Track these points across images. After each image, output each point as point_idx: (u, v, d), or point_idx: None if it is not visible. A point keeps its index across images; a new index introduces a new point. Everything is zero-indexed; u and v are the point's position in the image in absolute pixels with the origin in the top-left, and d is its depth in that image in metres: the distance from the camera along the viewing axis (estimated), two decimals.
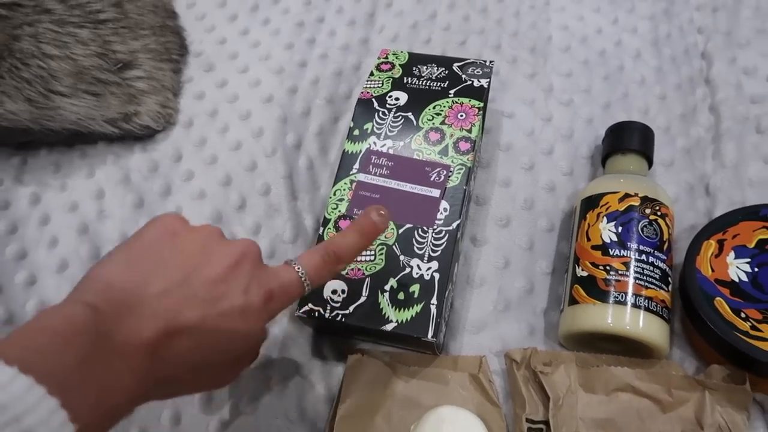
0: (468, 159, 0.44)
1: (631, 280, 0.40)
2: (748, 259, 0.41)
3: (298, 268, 0.34)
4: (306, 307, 0.41)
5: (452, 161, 0.44)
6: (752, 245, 0.41)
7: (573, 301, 0.41)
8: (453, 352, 0.43)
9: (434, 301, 0.40)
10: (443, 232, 0.42)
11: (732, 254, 0.41)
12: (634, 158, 0.47)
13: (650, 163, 0.48)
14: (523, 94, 0.55)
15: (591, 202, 0.44)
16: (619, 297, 0.40)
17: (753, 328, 0.38)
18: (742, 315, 0.39)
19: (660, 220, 0.42)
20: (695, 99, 0.54)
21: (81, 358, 0.25)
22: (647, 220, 0.42)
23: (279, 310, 0.34)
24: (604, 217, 0.43)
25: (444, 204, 0.43)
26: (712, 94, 0.54)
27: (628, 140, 0.48)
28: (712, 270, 0.41)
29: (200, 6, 0.62)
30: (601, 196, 0.44)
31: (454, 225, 0.42)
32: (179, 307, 0.29)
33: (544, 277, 0.46)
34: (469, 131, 0.45)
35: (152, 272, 0.30)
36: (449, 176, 0.44)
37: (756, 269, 0.40)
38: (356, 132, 0.46)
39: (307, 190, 0.50)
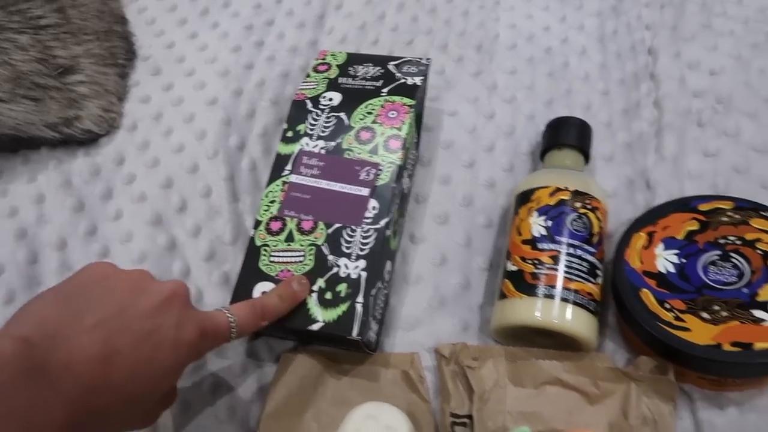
0: (398, 157, 0.44)
1: (559, 274, 0.40)
2: (677, 251, 0.41)
3: (229, 315, 0.36)
4: None
5: (382, 159, 0.44)
6: (681, 237, 0.41)
7: (503, 296, 0.41)
8: (387, 349, 0.43)
9: (360, 299, 0.40)
10: (371, 231, 0.42)
11: (661, 246, 0.41)
12: (571, 153, 0.47)
13: (587, 158, 0.48)
14: (466, 93, 0.55)
15: (524, 197, 0.44)
16: (547, 290, 0.39)
17: (677, 318, 0.38)
18: (667, 306, 0.38)
19: (590, 214, 0.42)
20: (639, 94, 0.54)
21: (6, 391, 0.25)
22: (577, 214, 0.42)
23: (207, 350, 0.35)
24: (535, 212, 0.43)
25: (373, 202, 0.43)
26: (657, 88, 0.54)
27: (564, 135, 0.48)
28: (641, 262, 0.41)
29: (151, 11, 0.63)
30: (533, 191, 0.44)
31: (382, 223, 0.42)
32: (113, 337, 0.30)
33: (481, 273, 0.46)
34: (399, 129, 0.45)
35: (86, 308, 0.30)
36: (378, 174, 0.44)
37: (683, 260, 0.40)
38: (289, 133, 0.46)
39: (249, 192, 0.50)
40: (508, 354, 0.41)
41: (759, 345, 0.35)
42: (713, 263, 0.39)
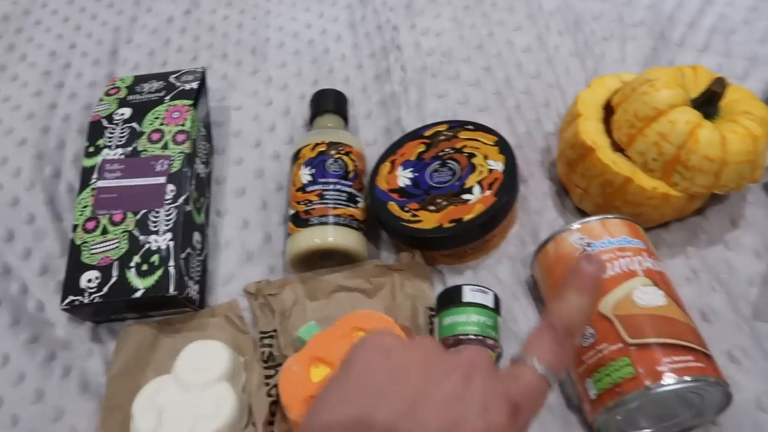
0: (186, 147, 0.53)
1: (324, 206, 0.51)
2: (411, 168, 0.53)
3: (537, 365, 0.29)
4: (67, 300, 0.48)
5: (172, 152, 0.53)
6: (414, 158, 0.54)
7: (288, 235, 0.52)
8: (212, 304, 0.52)
9: (172, 263, 0.49)
10: (172, 209, 0.51)
11: (401, 168, 0.53)
12: (330, 117, 0.58)
13: (346, 119, 0.60)
14: (247, 89, 0.65)
15: (295, 157, 0.55)
16: (318, 220, 0.50)
17: (413, 216, 0.50)
18: (406, 209, 0.50)
19: (344, 158, 0.54)
20: (389, 62, 0.67)
21: None
22: (333, 159, 0.53)
23: (528, 424, 0.29)
24: (302, 165, 0.54)
25: (170, 187, 0.52)
26: (401, 55, 0.68)
27: (323, 104, 0.59)
28: (387, 183, 0.53)
29: None
30: (300, 150, 0.55)
31: (181, 200, 0.51)
32: None
33: (278, 227, 0.56)
34: (183, 125, 0.55)
35: (372, 405, 0.26)
36: (171, 164, 0.53)
37: (416, 174, 0.52)
38: (91, 149, 0.54)
39: (70, 210, 0.57)
40: (302, 278, 0.51)
41: (467, 217, 0.48)
42: (436, 170, 0.52)
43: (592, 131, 0.49)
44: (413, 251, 0.51)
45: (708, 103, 0.46)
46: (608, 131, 0.49)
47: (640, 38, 0.64)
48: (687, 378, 0.37)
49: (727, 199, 0.51)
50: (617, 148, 0.48)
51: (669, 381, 0.37)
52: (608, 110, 0.50)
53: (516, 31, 0.66)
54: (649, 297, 0.40)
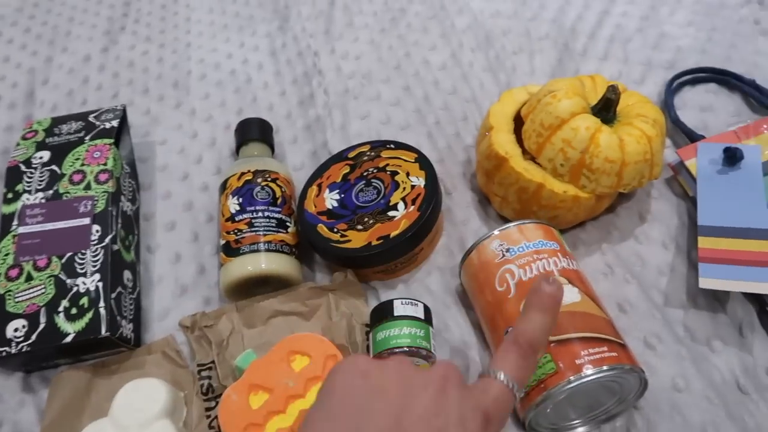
0: (109, 186, 0.53)
1: (254, 233, 0.51)
2: (337, 190, 0.54)
3: (502, 377, 0.31)
4: None
5: (95, 192, 0.53)
6: (339, 180, 0.55)
7: (221, 265, 0.52)
8: (148, 341, 0.52)
9: (102, 304, 0.48)
10: (99, 249, 0.50)
11: (327, 190, 0.55)
12: (256, 145, 0.59)
13: (272, 146, 0.61)
14: (171, 123, 0.65)
15: (222, 187, 0.55)
16: (248, 248, 0.51)
17: (342, 236, 0.51)
18: (335, 230, 0.52)
19: (271, 184, 0.54)
20: (312, 87, 0.69)
21: None
22: (260, 187, 0.54)
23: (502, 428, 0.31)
24: (230, 195, 0.54)
25: (95, 227, 0.51)
26: (324, 80, 0.69)
27: (247, 132, 0.60)
28: (315, 206, 0.54)
29: None
30: (227, 180, 0.55)
31: (107, 240, 0.51)
32: None
33: (212, 258, 0.56)
34: (105, 164, 0.54)
35: (359, 423, 0.27)
36: (95, 204, 0.52)
37: (342, 195, 0.54)
38: (9, 195, 0.53)
39: None
40: (238, 307, 0.51)
41: (393, 233, 0.50)
42: (361, 190, 0.54)
43: (504, 142, 0.51)
44: (346, 270, 0.52)
45: (605, 109, 0.49)
46: (520, 141, 0.52)
47: (547, 50, 0.67)
48: (605, 367, 0.39)
49: (634, 196, 0.55)
50: (529, 156, 0.51)
51: (588, 372, 0.39)
52: (519, 121, 0.53)
53: (431, 51, 0.69)
54: (565, 295, 0.43)
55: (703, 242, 0.48)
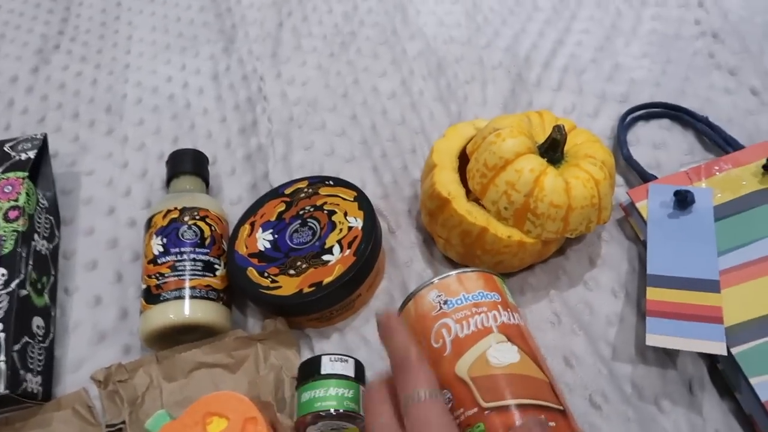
0: (19, 224, 0.49)
1: (177, 278, 0.47)
2: (271, 230, 0.51)
3: (420, 394, 0.32)
4: None
5: (3, 231, 0.48)
6: (274, 218, 0.52)
7: (141, 312, 0.48)
8: (60, 394, 0.47)
9: (2, 357, 0.44)
10: (3, 295, 0.46)
11: (260, 230, 0.51)
12: (188, 178, 0.55)
13: (206, 179, 0.57)
14: (101, 151, 0.61)
15: (147, 225, 0.51)
16: (169, 295, 0.47)
17: (273, 281, 0.47)
18: (266, 275, 0.48)
19: (199, 222, 0.51)
20: (255, 114, 0.65)
21: None
22: (186, 226, 0.50)
23: None
24: (154, 235, 0.50)
25: (1, 270, 0.47)
26: (268, 106, 0.66)
27: (179, 165, 0.56)
28: (246, 247, 0.50)
29: None
30: (152, 218, 0.51)
31: (14, 285, 0.46)
32: None
33: (135, 301, 0.52)
34: (17, 200, 0.50)
35: None
36: (2, 245, 0.48)
37: (276, 236, 0.50)
38: None
39: None
40: (160, 357, 0.47)
41: (327, 280, 0.46)
42: (296, 231, 0.50)
43: (447, 182, 0.49)
44: (276, 318, 0.48)
45: (552, 149, 0.47)
46: (465, 180, 0.49)
47: (500, 80, 0.65)
48: None
49: (584, 239, 0.52)
50: (474, 197, 0.48)
51: None
52: (465, 158, 0.51)
53: (381, 77, 0.66)
54: (502, 355, 0.40)
55: (652, 293, 0.45)
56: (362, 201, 0.50)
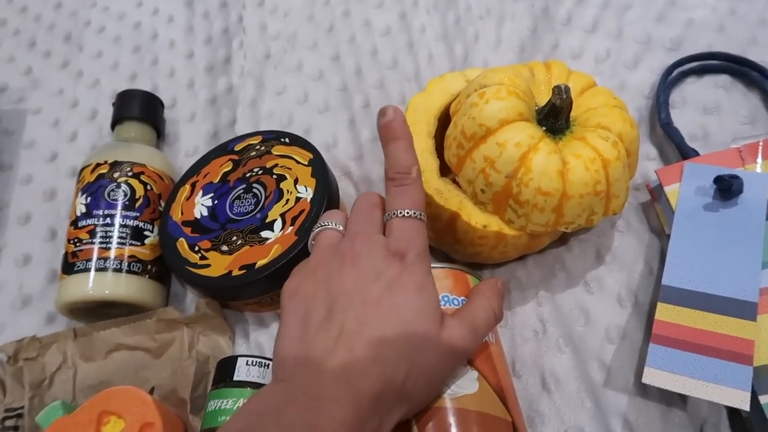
0: None
1: (95, 246, 0.41)
2: (212, 194, 0.43)
3: (396, 213, 0.32)
4: None
5: None
6: (217, 180, 0.44)
7: (59, 280, 0.42)
8: None
9: None
10: None
11: (200, 193, 0.44)
12: (134, 125, 0.48)
13: (157, 127, 0.49)
14: (52, 87, 0.54)
15: (77, 178, 0.45)
16: (83, 265, 0.41)
17: (202, 258, 0.40)
18: (196, 248, 0.41)
19: (131, 180, 0.43)
20: (231, 49, 0.56)
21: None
22: (115, 184, 0.43)
23: (421, 258, 0.31)
24: (80, 192, 0.43)
25: None
26: (246, 39, 0.56)
27: (125, 108, 0.48)
28: (182, 213, 0.43)
29: None
30: (81, 170, 0.45)
31: None
32: (348, 357, 0.28)
33: None
34: None
35: (304, 339, 0.29)
36: None
37: (216, 202, 0.43)
38: None
39: None
40: (78, 333, 0.42)
41: (260, 263, 0.38)
42: (238, 197, 0.42)
43: (417, 151, 0.39)
44: (209, 298, 0.42)
45: (552, 116, 0.36)
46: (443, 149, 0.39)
47: (520, 16, 0.53)
48: None
49: (594, 227, 0.42)
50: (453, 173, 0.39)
51: None
52: (449, 119, 0.40)
53: (377, 9, 0.55)
54: (457, 382, 0.31)
55: (664, 312, 0.35)
56: (317, 166, 0.41)
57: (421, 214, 0.32)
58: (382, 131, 0.34)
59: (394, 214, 0.32)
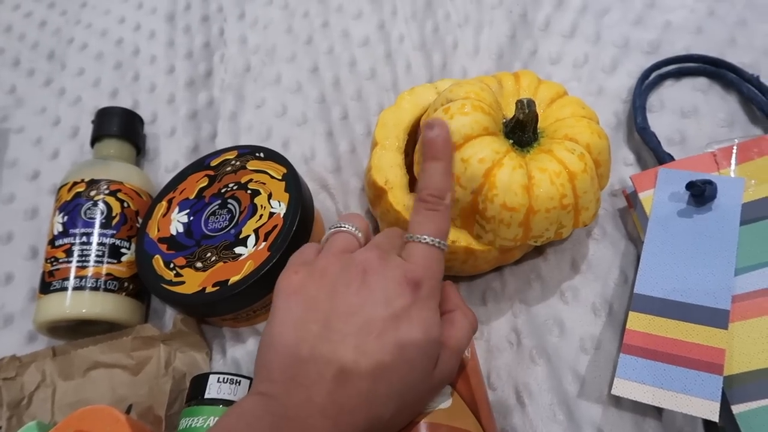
0: None
1: (72, 265, 0.41)
2: (188, 210, 0.43)
3: (421, 238, 0.30)
4: None
5: None
6: (193, 196, 0.44)
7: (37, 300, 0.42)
8: None
9: None
10: None
11: (177, 209, 0.44)
12: (112, 142, 0.48)
13: (136, 144, 0.49)
14: (35, 105, 0.55)
15: (56, 198, 0.45)
16: (60, 284, 0.41)
17: (177, 275, 0.40)
18: (171, 266, 0.41)
19: (108, 198, 0.44)
20: (212, 62, 0.56)
21: None
22: (92, 202, 0.43)
23: (434, 290, 0.30)
24: (57, 210, 0.44)
25: None
26: (227, 52, 0.57)
27: (104, 126, 0.49)
28: (158, 230, 0.43)
29: None
30: (59, 189, 0.45)
31: None
32: (333, 351, 0.27)
33: None
34: None
35: (296, 339, 0.28)
36: None
37: (191, 218, 0.43)
38: None
39: None
40: (57, 351, 0.42)
41: (233, 279, 0.39)
42: (213, 213, 0.42)
43: (386, 166, 0.39)
44: (186, 315, 0.42)
45: (519, 129, 0.36)
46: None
47: (498, 23, 0.53)
48: None
49: (571, 236, 0.42)
50: None
51: None
52: (419, 133, 0.40)
53: (355, 19, 0.55)
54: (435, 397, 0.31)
55: (635, 321, 0.35)
56: (290, 181, 0.41)
57: (444, 244, 0.31)
58: (425, 146, 0.33)
59: (417, 238, 0.30)
